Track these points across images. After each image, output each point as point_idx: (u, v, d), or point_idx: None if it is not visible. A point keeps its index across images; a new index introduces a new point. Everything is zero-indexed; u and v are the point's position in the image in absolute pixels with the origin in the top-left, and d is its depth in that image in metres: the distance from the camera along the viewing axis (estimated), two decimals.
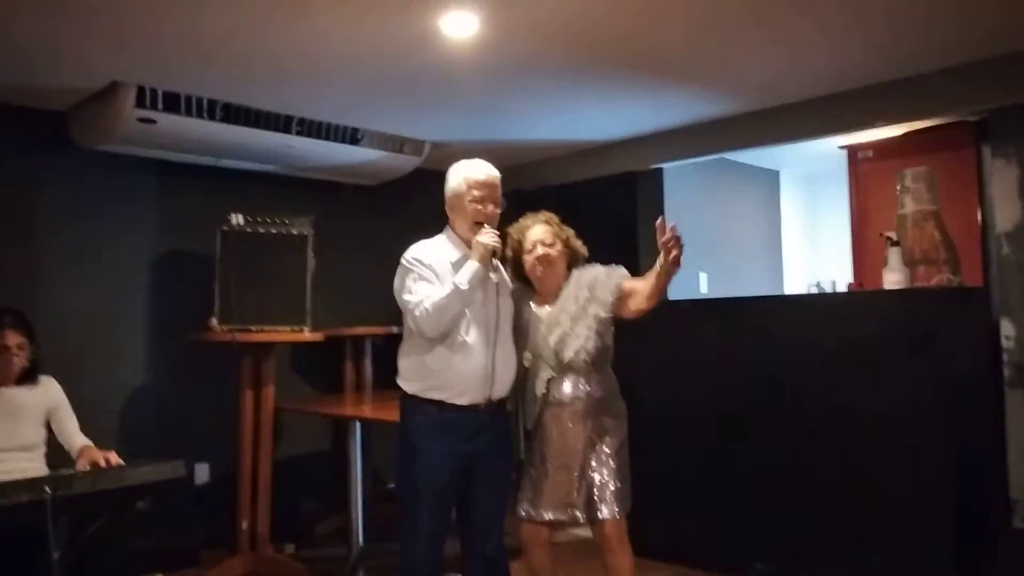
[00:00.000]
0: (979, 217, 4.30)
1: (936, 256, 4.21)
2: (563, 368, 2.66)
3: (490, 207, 2.59)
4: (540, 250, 2.74)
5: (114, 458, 2.97)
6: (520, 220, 2.87)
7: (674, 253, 2.54)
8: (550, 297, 2.77)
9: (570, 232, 2.85)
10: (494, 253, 2.53)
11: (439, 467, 2.48)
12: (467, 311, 2.49)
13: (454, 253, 2.59)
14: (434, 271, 2.52)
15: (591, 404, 2.67)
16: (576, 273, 2.77)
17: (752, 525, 3.47)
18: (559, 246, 2.77)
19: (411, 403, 2.55)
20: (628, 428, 2.75)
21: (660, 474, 2.94)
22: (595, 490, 2.63)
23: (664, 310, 4.23)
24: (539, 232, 2.78)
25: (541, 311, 2.76)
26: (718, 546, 3.62)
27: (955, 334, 3.30)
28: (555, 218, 2.86)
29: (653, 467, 2.85)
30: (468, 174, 2.60)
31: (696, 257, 5.10)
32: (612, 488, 2.63)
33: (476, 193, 2.57)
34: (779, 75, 3.69)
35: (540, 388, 2.67)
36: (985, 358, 3.75)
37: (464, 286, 2.44)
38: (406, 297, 2.51)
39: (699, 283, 5.14)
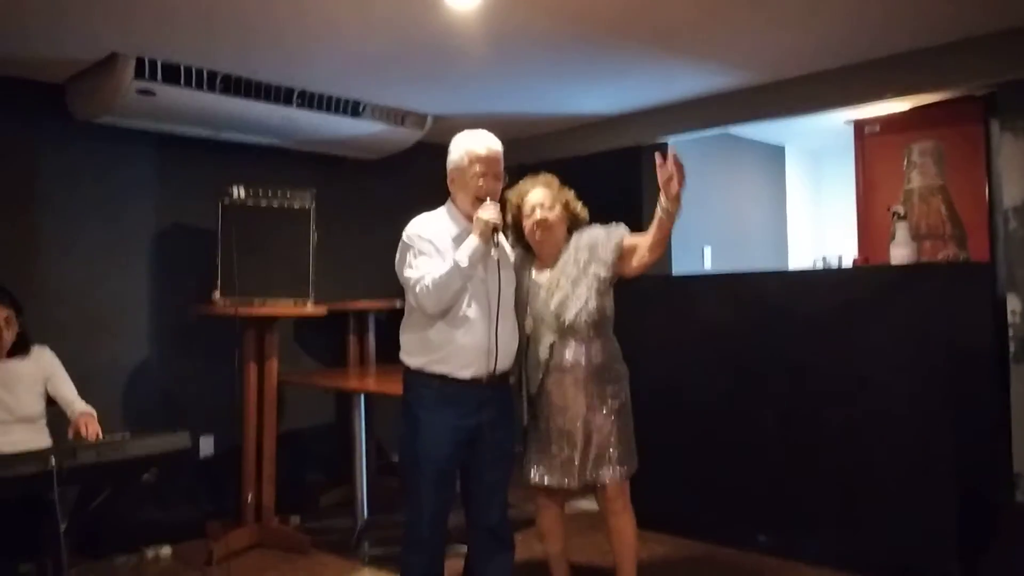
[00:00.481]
0: (986, 192, 4.27)
1: (942, 231, 4.20)
2: (564, 332, 2.65)
3: (492, 182, 2.55)
4: (538, 214, 2.71)
5: (93, 429, 2.96)
6: (519, 183, 2.84)
7: (675, 188, 2.50)
8: (550, 261, 2.75)
9: (570, 195, 2.82)
10: (495, 229, 2.49)
11: (442, 440, 2.48)
12: (468, 286, 2.47)
13: (455, 227, 2.56)
14: (435, 246, 2.50)
15: (593, 369, 2.66)
16: (576, 236, 2.74)
17: (754, 497, 3.48)
18: (558, 209, 2.74)
19: (414, 377, 2.55)
20: (631, 394, 2.76)
21: (662, 446, 2.94)
22: (597, 454, 2.64)
23: (667, 284, 4.26)
24: (538, 196, 2.75)
25: (541, 276, 2.74)
26: (720, 518, 3.63)
27: (961, 309, 3.29)
28: (555, 180, 2.82)
29: (655, 439, 2.85)
30: (470, 147, 2.55)
31: (701, 232, 5.11)
32: (614, 451, 2.65)
33: (478, 168, 2.53)
34: (785, 48, 3.64)
35: (543, 353, 2.67)
36: (991, 333, 3.74)
37: (464, 263, 2.41)
38: (407, 273, 2.49)
39: (703, 258, 5.12)
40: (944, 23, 3.37)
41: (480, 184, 2.52)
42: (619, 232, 2.69)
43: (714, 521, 3.65)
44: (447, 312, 2.46)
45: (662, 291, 3.95)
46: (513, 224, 2.81)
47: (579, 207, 2.81)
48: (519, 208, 2.78)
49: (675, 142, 4.89)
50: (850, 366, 3.21)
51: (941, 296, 3.06)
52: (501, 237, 2.59)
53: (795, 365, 3.36)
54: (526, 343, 2.71)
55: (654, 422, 2.87)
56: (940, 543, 3.01)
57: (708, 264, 5.13)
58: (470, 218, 2.53)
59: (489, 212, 2.48)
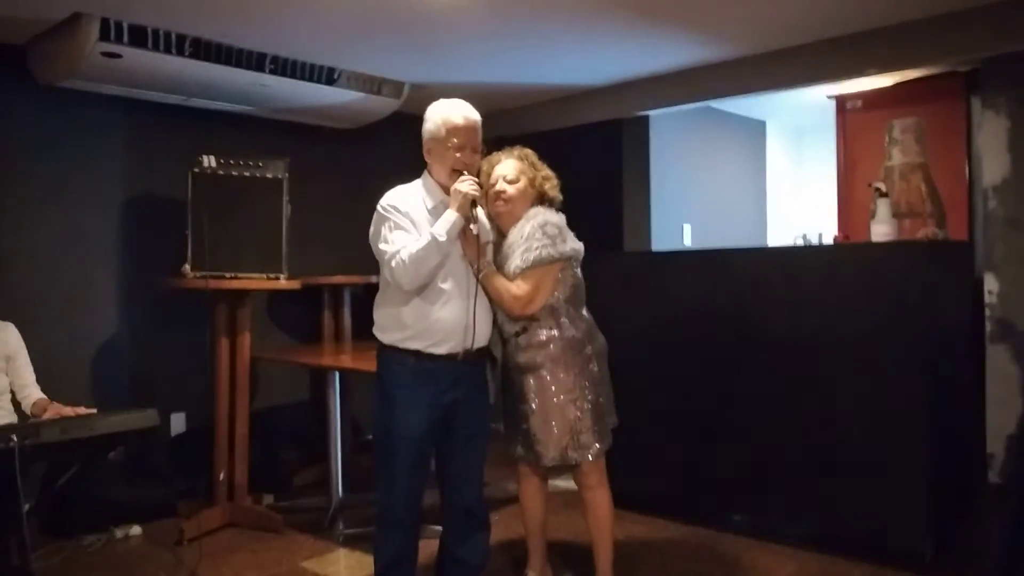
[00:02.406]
0: (966, 170, 4.27)
1: (922, 209, 4.19)
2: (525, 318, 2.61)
3: (469, 154, 2.48)
4: (500, 185, 2.64)
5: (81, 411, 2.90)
6: (495, 153, 2.75)
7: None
8: (505, 239, 2.68)
9: (544, 172, 2.73)
10: (474, 202, 2.43)
11: (417, 418, 2.43)
12: (446, 261, 2.41)
13: (431, 200, 2.49)
14: (411, 219, 2.43)
15: (565, 346, 2.62)
16: (526, 218, 2.62)
17: (729, 477, 3.48)
18: (522, 183, 2.65)
19: (388, 354, 2.49)
20: (609, 367, 2.72)
21: (638, 426, 2.92)
22: (571, 429, 2.61)
23: (646, 261, 4.22)
24: (505, 168, 2.67)
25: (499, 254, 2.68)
26: (696, 498, 3.64)
27: (939, 288, 3.29)
28: (531, 155, 2.75)
29: (631, 419, 2.82)
30: (447, 117, 2.47)
31: (681, 208, 5.07)
32: (586, 428, 2.61)
33: (455, 140, 2.45)
34: (769, 20, 3.59)
35: (514, 330, 2.64)
36: (968, 313, 3.76)
37: (442, 237, 2.35)
38: (382, 247, 2.41)
39: (683, 235, 5.09)
40: None
41: (457, 156, 2.45)
42: (513, 263, 2.56)
43: (690, 501, 3.66)
44: (424, 287, 2.40)
45: (641, 268, 3.91)
46: (484, 195, 2.73)
47: (549, 186, 2.72)
48: (488, 176, 2.70)
49: (656, 115, 4.84)
50: (827, 345, 3.20)
51: (919, 275, 3.04)
52: (480, 211, 2.52)
53: (773, 343, 3.34)
54: (500, 317, 2.66)
55: (631, 400, 2.85)
56: (913, 522, 3.03)
57: (688, 241, 5.10)
58: (447, 190, 2.46)
59: (467, 185, 2.41)
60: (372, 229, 2.47)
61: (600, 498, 2.73)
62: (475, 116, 2.51)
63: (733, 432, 3.46)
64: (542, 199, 2.71)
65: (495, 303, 2.59)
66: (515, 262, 2.56)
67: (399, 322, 2.44)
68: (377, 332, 2.53)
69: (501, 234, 2.71)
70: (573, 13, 3.41)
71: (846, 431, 3.15)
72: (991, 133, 3.85)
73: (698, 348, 3.56)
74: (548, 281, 2.59)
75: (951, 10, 3.49)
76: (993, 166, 3.82)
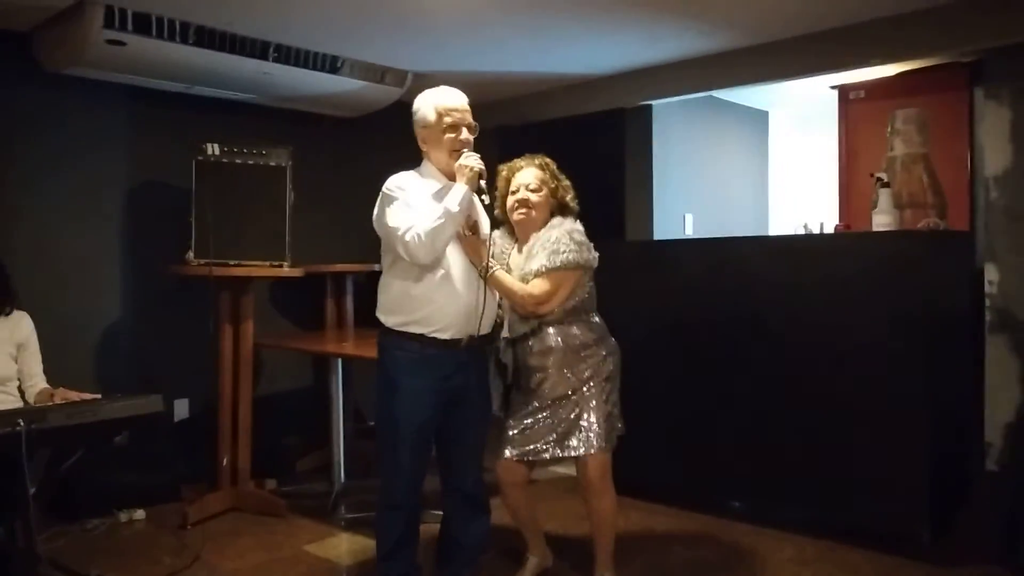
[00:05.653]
0: (968, 161, 4.26)
1: (924, 200, 4.19)
2: (536, 319, 2.65)
3: (465, 133, 2.50)
4: (522, 194, 2.70)
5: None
6: (515, 160, 2.81)
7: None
8: (523, 244, 2.73)
9: (564, 183, 2.77)
10: (480, 175, 2.45)
11: (420, 404, 2.45)
12: (454, 246, 2.44)
13: (435, 185, 2.51)
14: (419, 199, 2.45)
15: (576, 349, 2.65)
16: (548, 227, 2.69)
17: (729, 463, 3.50)
18: (544, 193, 2.71)
19: (391, 338, 2.50)
20: (619, 371, 2.74)
21: (639, 413, 2.93)
22: (576, 427, 2.63)
23: (648, 249, 4.23)
24: (527, 176, 2.72)
25: (516, 258, 2.73)
26: (695, 485, 3.66)
27: (940, 278, 3.30)
28: (552, 164, 2.79)
29: (632, 405, 2.84)
30: (437, 102, 2.50)
31: (683, 197, 5.07)
32: (592, 425, 2.63)
33: (448, 120, 2.48)
34: (773, 10, 3.59)
35: (524, 331, 2.66)
36: (968, 302, 3.77)
37: (455, 207, 2.37)
38: (392, 224, 2.40)
39: (685, 224, 5.10)
40: None
41: (455, 136, 2.48)
42: (537, 262, 2.60)
43: (689, 488, 3.68)
44: (433, 269, 2.41)
45: (643, 257, 3.93)
46: (500, 198, 2.78)
47: (568, 197, 2.76)
48: (507, 182, 2.76)
49: (659, 105, 4.84)
50: (828, 333, 3.22)
51: (921, 264, 3.06)
52: (478, 199, 2.53)
53: (774, 331, 3.36)
54: (504, 324, 2.69)
55: (632, 388, 2.86)
56: (912, 509, 3.05)
57: (690, 230, 5.11)
58: (449, 175, 2.49)
59: (472, 159, 2.44)
60: (378, 211, 2.48)
61: (605, 504, 2.71)
62: (464, 97, 2.55)
63: (733, 419, 3.48)
64: (562, 209, 2.75)
65: (508, 299, 2.61)
66: (540, 261, 2.59)
67: (406, 305, 2.45)
68: (381, 315, 2.54)
69: (516, 239, 2.75)
70: (575, 3, 3.41)
71: (846, 419, 3.17)
72: (993, 124, 3.85)
73: (700, 336, 3.57)
74: (567, 285, 2.62)
75: (953, 1, 3.48)
76: (995, 157, 3.82)
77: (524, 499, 2.86)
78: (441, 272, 2.43)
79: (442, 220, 2.35)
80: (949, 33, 3.63)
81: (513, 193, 2.72)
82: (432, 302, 2.42)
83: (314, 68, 4.07)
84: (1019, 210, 3.70)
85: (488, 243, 2.55)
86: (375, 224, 2.51)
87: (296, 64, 3.99)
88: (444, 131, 2.48)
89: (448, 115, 2.48)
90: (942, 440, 3.19)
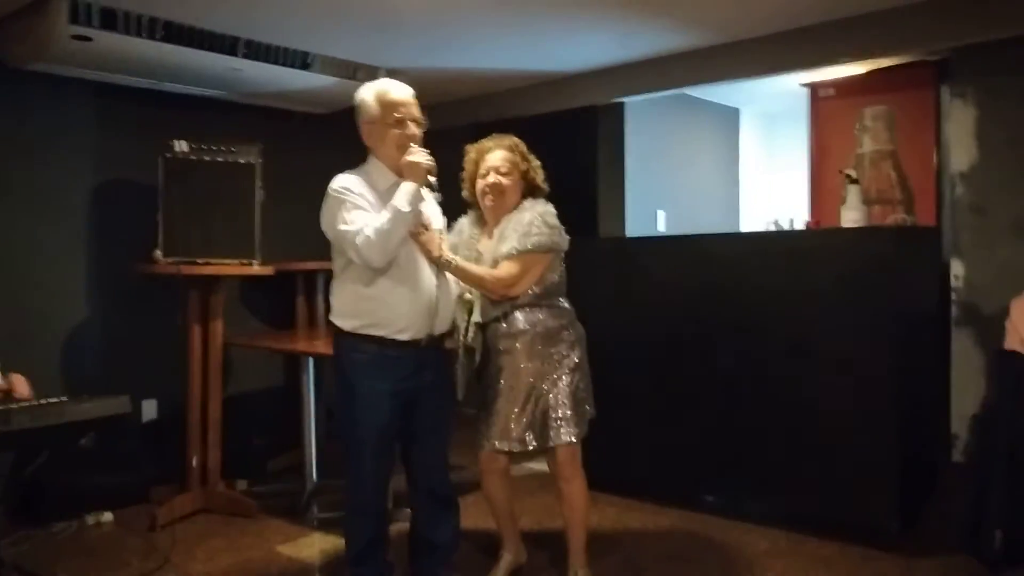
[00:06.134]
0: (935, 157, 4.33)
1: (891, 196, 4.27)
2: (508, 302, 2.62)
3: (412, 127, 2.43)
4: (492, 178, 2.65)
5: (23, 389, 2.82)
6: (483, 140, 2.75)
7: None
8: (493, 228, 2.69)
9: (534, 164, 2.74)
10: (429, 172, 2.38)
11: (380, 407, 2.40)
12: (407, 245, 2.38)
13: (383, 182, 2.43)
14: (367, 200, 2.38)
15: (544, 333, 2.63)
16: (519, 210, 2.65)
17: (702, 458, 3.53)
18: (515, 176, 2.67)
19: (348, 341, 2.43)
20: (586, 355, 2.73)
21: (611, 409, 2.94)
22: (547, 417, 2.62)
23: (620, 246, 4.24)
24: (496, 158, 2.67)
25: (486, 243, 2.69)
26: (669, 479, 3.68)
27: (907, 273, 3.34)
28: (521, 145, 2.74)
29: (605, 402, 2.84)
30: (383, 95, 2.42)
31: (655, 194, 5.10)
32: (563, 414, 2.61)
33: (395, 115, 2.40)
34: (745, 8, 3.61)
35: (491, 319, 2.64)
36: (935, 297, 3.83)
37: (405, 208, 2.30)
38: (342, 228, 2.33)
39: (657, 221, 5.12)
40: None
41: (402, 131, 2.41)
42: (508, 245, 2.58)
43: (663, 482, 3.70)
44: (387, 270, 2.35)
45: (615, 253, 3.94)
46: (468, 180, 2.75)
47: (539, 178, 2.73)
48: (476, 165, 2.72)
49: (632, 103, 4.86)
50: (797, 328, 3.25)
51: (888, 260, 3.09)
52: (430, 194, 2.48)
53: (744, 327, 3.38)
54: (475, 307, 2.67)
55: (604, 383, 2.87)
56: (880, 500, 3.09)
57: (662, 227, 5.14)
58: (397, 172, 2.41)
59: (420, 155, 2.37)
60: (326, 214, 2.40)
61: (575, 488, 2.71)
62: (409, 89, 2.47)
63: (705, 414, 3.50)
64: (532, 191, 2.72)
65: (475, 287, 2.60)
66: (511, 244, 2.56)
67: (361, 308, 2.40)
68: (335, 319, 2.47)
69: (485, 224, 2.72)
70: (549, 0, 3.40)
71: (815, 412, 3.20)
72: (958, 122, 3.92)
73: (671, 332, 3.59)
74: (537, 268, 2.60)
75: (921, 1, 3.53)
76: (960, 154, 3.89)
77: (504, 489, 2.85)
78: (396, 272, 2.37)
79: (392, 221, 2.28)
80: (917, 32, 3.67)
81: (483, 176, 2.67)
82: (389, 304, 2.37)
83: (285, 64, 4.02)
84: (984, 205, 3.78)
85: (441, 237, 2.50)
86: (324, 227, 2.42)
87: (266, 60, 3.93)
88: (390, 126, 2.41)
89: (395, 109, 2.40)
90: (910, 433, 3.23)
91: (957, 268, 3.82)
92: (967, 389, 3.70)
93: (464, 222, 2.79)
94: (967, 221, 3.82)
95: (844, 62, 4.01)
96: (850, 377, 3.12)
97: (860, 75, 4.54)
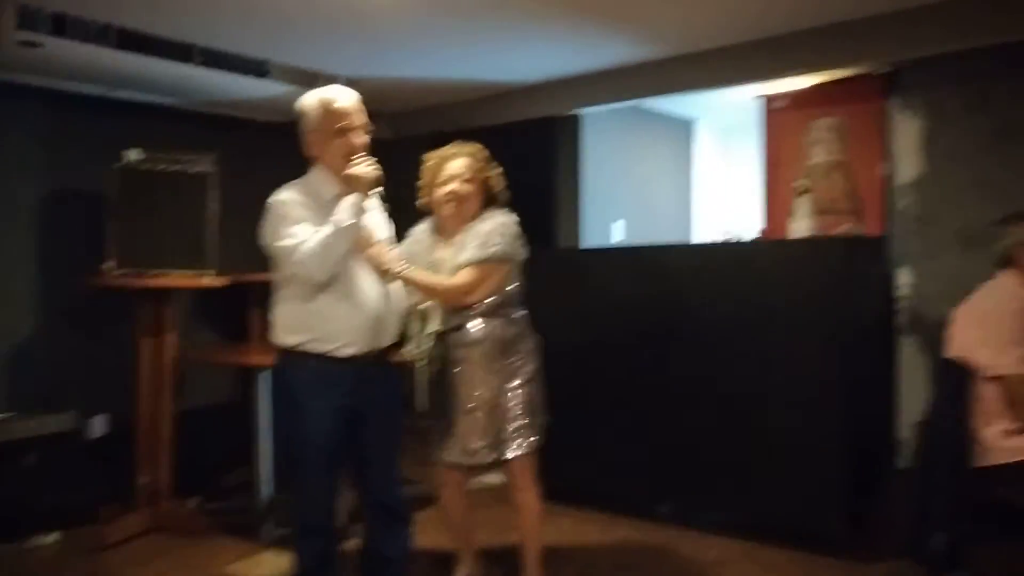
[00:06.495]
0: (883, 169, 4.43)
1: (841, 206, 4.34)
2: (466, 311, 2.62)
3: (357, 136, 2.38)
4: (453, 185, 2.63)
5: None
6: (445, 148, 2.73)
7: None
8: (452, 237, 2.68)
9: (494, 172, 2.72)
10: (374, 183, 2.33)
11: (325, 425, 2.35)
12: (351, 258, 2.33)
13: (327, 192, 2.37)
14: (309, 212, 2.32)
15: (498, 344, 2.63)
16: (480, 220, 2.65)
17: (656, 469, 3.55)
18: (476, 184, 2.66)
19: (290, 358, 2.38)
20: (542, 365, 2.73)
21: (567, 420, 2.94)
22: (503, 428, 2.62)
23: (575, 257, 4.27)
24: (459, 165, 2.65)
25: (444, 252, 2.67)
26: (623, 490, 3.69)
27: (855, 282, 3.41)
28: (483, 153, 2.72)
29: (561, 413, 2.84)
30: (328, 103, 2.36)
31: (611, 206, 5.14)
32: (519, 425, 2.62)
33: (340, 124, 2.34)
34: (700, 20, 3.66)
35: (446, 329, 2.64)
36: (882, 305, 3.91)
37: (348, 220, 2.25)
38: (284, 242, 2.28)
39: (613, 232, 5.16)
40: (848, 2, 3.43)
41: (346, 140, 2.35)
42: (467, 254, 2.58)
43: (618, 492, 3.72)
44: (330, 284, 2.30)
45: (572, 265, 3.97)
46: (426, 188, 2.73)
47: (499, 187, 2.72)
48: (435, 173, 2.70)
49: (588, 114, 4.89)
50: (748, 337, 3.29)
51: (835, 269, 3.15)
52: (377, 204, 2.46)
53: (697, 337, 3.42)
54: (430, 318, 2.66)
55: (560, 394, 2.88)
56: (829, 507, 3.15)
57: (618, 238, 5.17)
58: (342, 180, 2.34)
59: (365, 167, 2.32)
60: (267, 228, 2.35)
61: (529, 499, 2.71)
62: (355, 95, 2.41)
63: (659, 424, 3.53)
64: (492, 200, 2.71)
65: (429, 297, 2.59)
66: (470, 253, 2.55)
67: (303, 324, 2.34)
68: (278, 335, 2.41)
69: (443, 232, 2.71)
70: (507, 11, 3.42)
71: (766, 421, 3.25)
72: (905, 133, 4.01)
73: (625, 343, 3.62)
74: (494, 278, 2.60)
75: (869, 14, 3.61)
76: (907, 165, 3.98)
77: (461, 503, 2.84)
78: (338, 286, 2.31)
79: (333, 235, 2.23)
80: (865, 46, 3.76)
81: (443, 183, 2.65)
82: (332, 318, 2.32)
83: (241, 72, 3.97)
84: (929, 216, 3.87)
85: (386, 249, 2.47)
86: (263, 242, 2.37)
87: (222, 68, 3.89)
88: (335, 135, 2.35)
89: (340, 117, 2.34)
90: (858, 440, 3.29)
91: (903, 277, 3.90)
92: (913, 395, 3.78)
93: (420, 230, 2.77)
94: (913, 231, 3.91)
95: (795, 74, 4.09)
96: (800, 386, 3.17)
97: (812, 87, 4.61)
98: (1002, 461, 2.65)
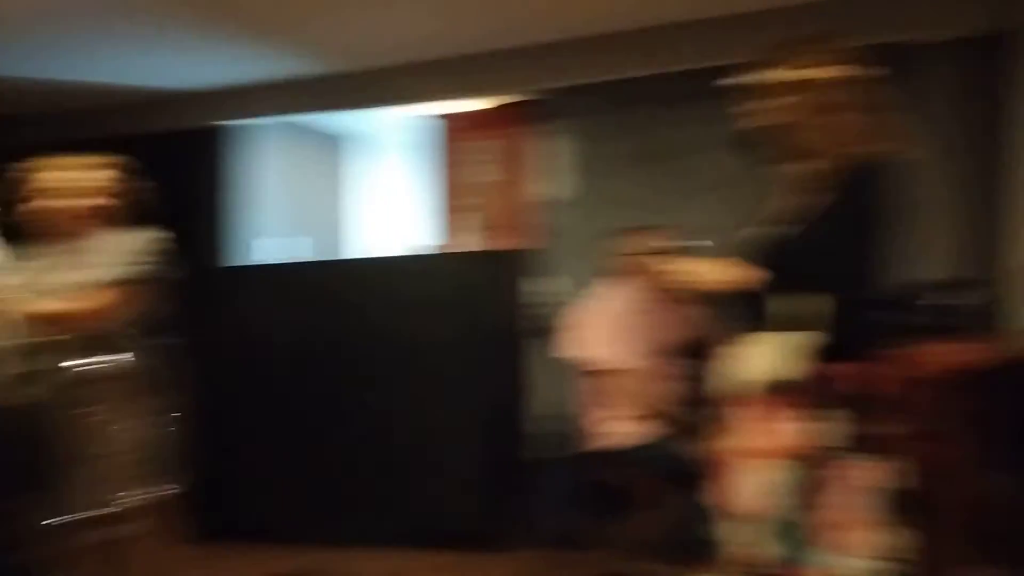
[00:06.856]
0: (537, 187, 4.81)
1: (505, 222, 4.65)
2: (80, 342, 2.39)
3: None
4: (69, 202, 2.39)
5: None
6: (60, 158, 2.45)
7: None
8: (69, 255, 2.43)
9: (132, 186, 2.50)
10: None
11: None
12: None
13: None
14: None
15: (134, 376, 2.44)
16: (116, 233, 2.45)
17: (324, 493, 3.52)
18: (98, 197, 2.43)
19: None
20: (180, 400, 2.57)
21: (229, 453, 2.82)
22: (124, 472, 2.42)
23: (215, 278, 4.04)
24: (77, 177, 2.42)
25: (60, 273, 2.41)
26: (291, 519, 3.61)
27: (496, 292, 3.62)
28: (113, 164, 2.49)
29: (221, 445, 2.72)
30: None
31: (265, 222, 4.91)
32: (143, 469, 2.45)
33: None
34: (359, 40, 3.71)
35: (55, 365, 2.38)
36: (516, 313, 4.20)
37: None
38: None
39: (261, 249, 4.96)
40: (504, 31, 3.71)
41: None
42: (107, 271, 2.40)
43: (285, 523, 3.61)
44: None
45: (209, 286, 3.76)
46: (28, 202, 2.43)
47: (138, 202, 2.50)
48: (38, 183, 2.42)
49: (246, 127, 4.72)
50: (391, 351, 3.38)
51: (473, 282, 3.36)
52: None
53: (352, 354, 3.45)
54: (59, 351, 2.39)
55: (216, 429, 2.73)
56: (476, 507, 3.35)
57: (268, 256, 4.96)
58: None
59: None
60: None
61: (153, 546, 2.50)
62: None
63: (316, 449, 3.50)
64: (121, 214, 2.48)
65: (53, 326, 2.32)
66: (101, 272, 2.33)
67: None
68: None
69: (49, 252, 2.43)
70: (160, 15, 3.23)
71: (413, 432, 3.38)
72: (554, 154, 4.41)
73: (275, 369, 3.54)
74: (131, 300, 2.39)
75: (521, 45, 3.91)
76: (552, 184, 4.38)
77: (98, 567, 2.53)
78: None
79: None
80: (520, 74, 4.07)
81: (56, 196, 2.39)
82: None
83: None
84: (567, 230, 4.24)
85: None
86: None
87: None
88: None
89: None
90: (496, 440, 3.49)
91: (536, 286, 4.21)
92: (538, 394, 4.07)
93: (11, 254, 2.47)
94: (551, 244, 4.27)
95: (454, 98, 4.32)
96: (439, 394, 3.32)
97: (480, 110, 4.90)
98: (603, 446, 2.99)
